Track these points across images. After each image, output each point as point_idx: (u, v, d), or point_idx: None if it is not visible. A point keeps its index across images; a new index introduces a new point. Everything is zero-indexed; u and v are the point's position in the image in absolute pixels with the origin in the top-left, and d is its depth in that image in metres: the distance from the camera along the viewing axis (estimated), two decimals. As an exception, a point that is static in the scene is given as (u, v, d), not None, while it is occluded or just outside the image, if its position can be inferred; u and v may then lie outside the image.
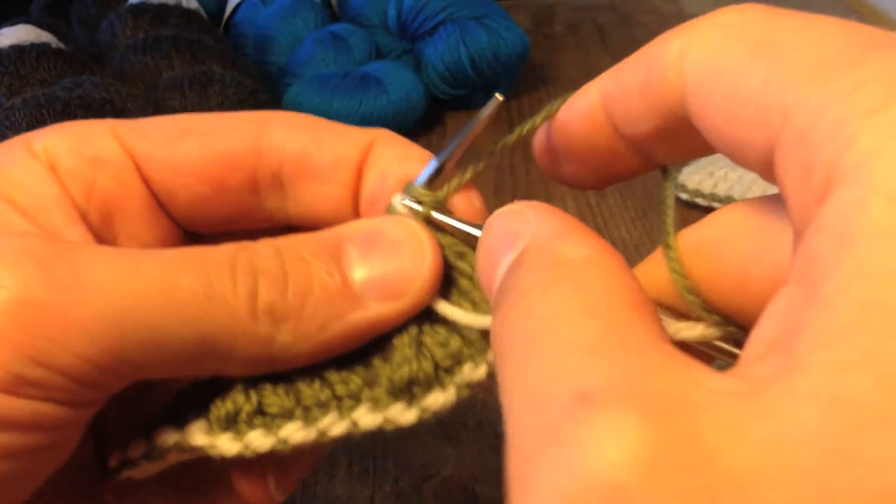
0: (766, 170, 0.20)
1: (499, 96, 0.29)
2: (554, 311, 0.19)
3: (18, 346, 0.21)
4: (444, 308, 0.27)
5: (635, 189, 0.75)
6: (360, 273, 0.26)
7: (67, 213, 0.27)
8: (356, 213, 0.31)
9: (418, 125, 0.86)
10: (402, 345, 0.27)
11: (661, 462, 0.15)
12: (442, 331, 0.27)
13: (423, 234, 0.27)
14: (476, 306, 0.27)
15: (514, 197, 0.80)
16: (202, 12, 0.95)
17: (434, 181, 0.28)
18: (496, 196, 0.75)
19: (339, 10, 1.02)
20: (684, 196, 0.72)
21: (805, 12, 0.20)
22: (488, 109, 0.28)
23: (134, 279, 0.23)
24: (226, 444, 0.26)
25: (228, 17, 1.01)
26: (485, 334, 0.26)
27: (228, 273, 0.24)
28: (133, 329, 0.22)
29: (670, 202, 0.27)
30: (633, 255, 0.65)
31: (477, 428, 0.52)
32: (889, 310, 0.14)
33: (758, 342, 0.17)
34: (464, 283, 0.27)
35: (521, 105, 0.94)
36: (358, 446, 0.51)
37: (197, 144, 0.29)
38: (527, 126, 0.28)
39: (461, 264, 0.27)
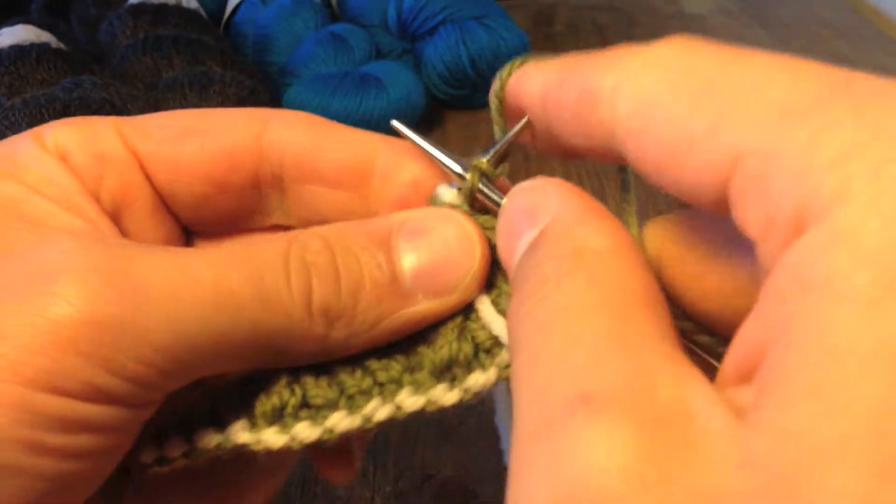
0: (718, 207, 0.19)
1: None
2: (567, 304, 0.19)
3: (93, 358, 0.22)
4: (486, 312, 0.27)
5: (635, 189, 0.75)
6: (410, 268, 0.26)
7: (93, 204, 0.28)
8: (364, 216, 0.30)
9: (418, 125, 0.86)
10: (447, 329, 0.27)
11: (648, 473, 0.15)
12: (482, 312, 0.27)
13: (473, 230, 0.27)
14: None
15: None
16: (202, 12, 0.95)
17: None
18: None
19: (339, 10, 1.02)
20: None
21: (738, 48, 0.20)
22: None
23: (189, 286, 0.23)
24: (272, 438, 0.26)
25: (228, 17, 1.01)
26: None
27: (282, 272, 0.25)
28: (192, 335, 0.23)
29: (631, 198, 0.27)
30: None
31: (477, 428, 0.52)
32: (843, 370, 0.14)
33: (732, 366, 0.18)
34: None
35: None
36: (358, 446, 0.51)
37: (198, 144, 0.30)
38: (499, 82, 0.27)
39: None
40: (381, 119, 0.81)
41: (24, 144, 0.28)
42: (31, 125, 0.66)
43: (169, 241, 0.31)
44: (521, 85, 0.26)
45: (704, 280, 0.24)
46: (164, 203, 0.31)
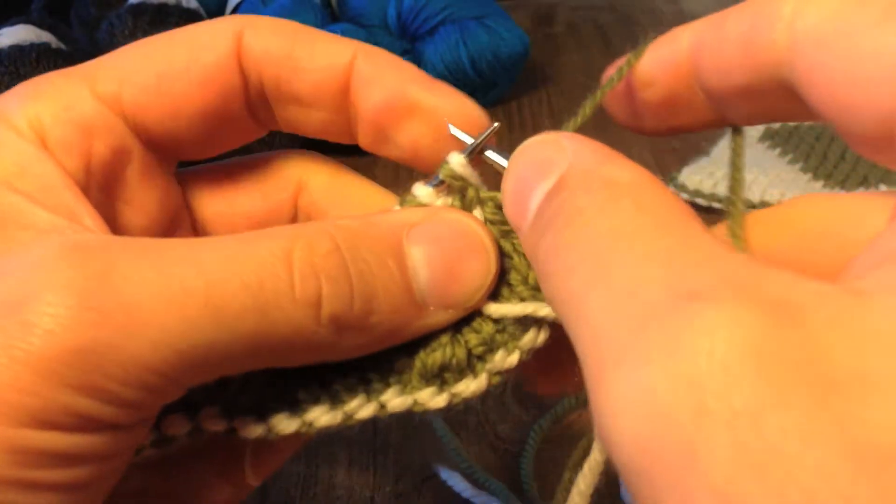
0: (878, 135, 0.19)
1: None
2: (621, 227, 0.19)
3: (79, 388, 0.21)
4: (493, 307, 0.26)
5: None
6: (423, 279, 0.25)
7: (73, 191, 0.26)
8: (348, 130, 0.30)
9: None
10: (438, 331, 0.26)
11: (777, 351, 0.15)
12: (476, 317, 0.26)
13: (488, 241, 0.26)
14: (513, 291, 0.26)
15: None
16: (202, 12, 0.95)
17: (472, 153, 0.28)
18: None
19: (339, 10, 1.02)
20: (684, 196, 0.72)
21: None
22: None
23: (179, 301, 0.22)
24: (249, 427, 0.26)
25: (228, 17, 1.01)
26: (520, 321, 0.26)
27: (284, 276, 0.23)
28: (186, 352, 0.22)
29: (740, 163, 0.26)
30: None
31: (477, 428, 0.52)
32: None
33: (860, 264, 0.17)
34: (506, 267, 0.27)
35: (521, 105, 0.94)
36: (358, 446, 0.51)
37: (183, 80, 0.27)
38: (619, 75, 0.27)
39: (505, 244, 0.27)
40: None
41: None
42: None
43: (168, 206, 0.29)
44: (659, 51, 0.26)
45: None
46: (161, 151, 0.29)
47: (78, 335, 0.21)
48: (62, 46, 0.83)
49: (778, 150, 0.78)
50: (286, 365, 0.25)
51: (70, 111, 0.26)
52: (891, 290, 0.15)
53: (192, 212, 0.31)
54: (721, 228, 0.25)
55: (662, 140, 0.83)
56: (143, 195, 0.28)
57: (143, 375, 0.21)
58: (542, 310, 0.25)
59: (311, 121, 0.29)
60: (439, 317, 0.25)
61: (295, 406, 0.26)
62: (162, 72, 0.27)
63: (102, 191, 0.27)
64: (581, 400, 0.51)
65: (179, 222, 0.30)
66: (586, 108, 0.27)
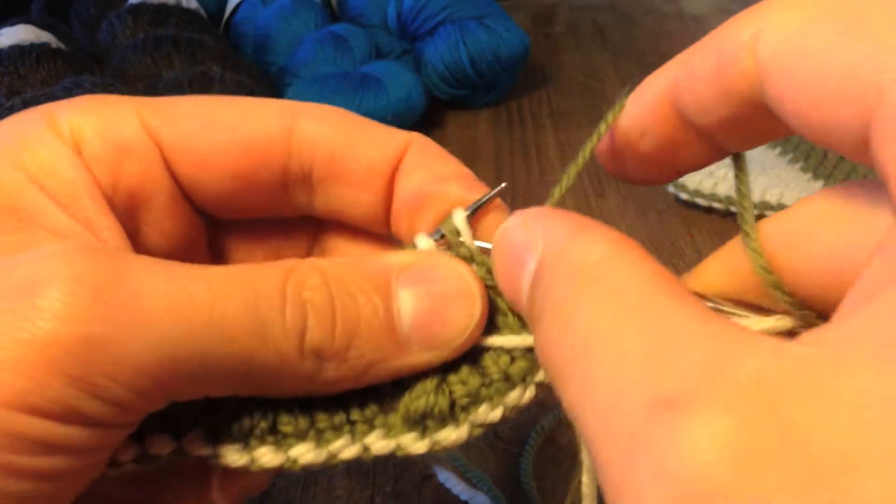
0: (858, 150, 0.19)
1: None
2: (594, 324, 0.19)
3: (75, 380, 0.21)
4: (491, 339, 0.27)
5: (635, 189, 0.75)
6: (407, 318, 0.25)
7: (97, 202, 0.26)
8: (387, 217, 0.30)
9: (418, 125, 0.86)
10: (424, 377, 0.26)
11: (757, 452, 0.14)
12: (464, 368, 0.27)
13: (476, 286, 0.26)
14: (509, 324, 0.27)
15: (514, 198, 0.80)
16: (202, 12, 0.95)
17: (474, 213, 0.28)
18: (496, 196, 0.75)
19: (339, 10, 1.02)
20: (684, 196, 0.72)
21: None
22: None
23: (185, 310, 0.22)
24: (232, 457, 0.26)
25: (228, 17, 1.01)
26: (505, 376, 0.26)
27: (278, 305, 0.24)
28: (181, 359, 0.22)
29: (746, 190, 0.26)
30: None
31: (477, 428, 0.52)
32: None
33: (848, 301, 0.17)
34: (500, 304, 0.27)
35: (521, 105, 0.94)
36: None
37: (227, 137, 0.28)
38: (601, 131, 0.27)
39: (501, 304, 0.27)
40: (381, 119, 0.80)
41: (37, 125, 0.27)
42: (31, 125, 0.66)
43: (189, 234, 0.30)
44: (639, 100, 0.26)
45: (827, 282, 0.23)
46: (188, 196, 0.30)
47: (83, 326, 0.21)
48: (62, 46, 0.83)
49: (778, 150, 0.78)
50: (270, 394, 0.26)
51: (111, 129, 0.27)
52: (866, 340, 0.15)
53: (213, 243, 0.32)
54: (735, 244, 0.25)
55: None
56: (168, 223, 0.29)
57: (136, 376, 0.22)
58: (537, 375, 0.26)
59: (356, 203, 0.30)
60: (423, 357, 0.26)
61: (280, 441, 0.26)
62: (207, 124, 0.28)
63: (125, 211, 0.28)
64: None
65: (197, 253, 0.31)
66: (570, 173, 0.28)
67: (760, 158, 0.76)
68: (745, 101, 0.22)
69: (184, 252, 0.30)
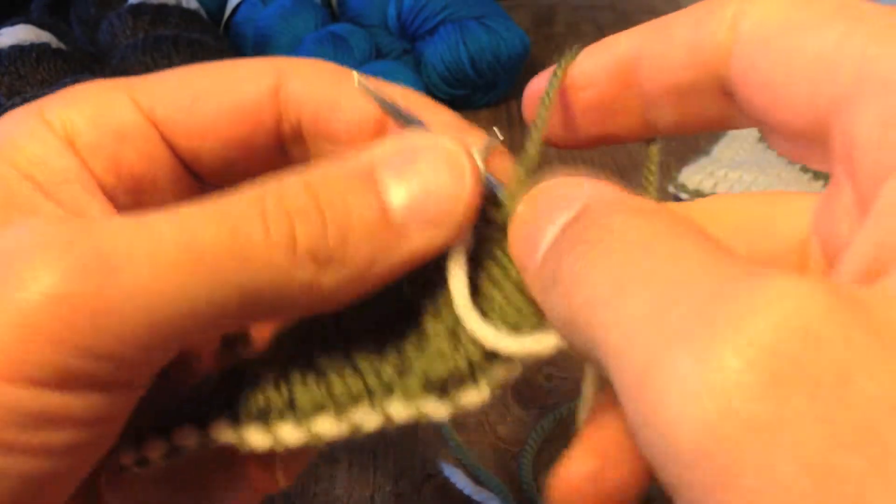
0: (807, 133, 0.20)
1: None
2: (657, 234, 0.19)
3: (61, 340, 0.20)
4: (473, 322, 0.25)
5: (636, 191, 0.75)
6: (398, 200, 0.24)
7: (89, 190, 0.26)
8: None
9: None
10: (437, 334, 0.26)
11: (855, 317, 0.14)
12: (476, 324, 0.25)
13: (462, 154, 0.25)
14: (504, 314, 0.26)
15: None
16: (202, 12, 0.95)
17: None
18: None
19: (339, 10, 1.02)
20: (685, 196, 0.72)
21: None
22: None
23: (156, 252, 0.21)
24: (256, 439, 0.25)
25: (228, 17, 1.01)
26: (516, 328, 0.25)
27: (258, 221, 0.23)
28: (167, 302, 0.21)
29: (652, 172, 0.27)
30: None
31: (477, 428, 0.52)
32: None
33: (851, 271, 0.17)
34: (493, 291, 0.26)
35: (521, 105, 0.94)
36: (358, 446, 0.51)
37: (215, 105, 0.28)
38: (558, 76, 0.27)
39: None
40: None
41: (27, 121, 0.27)
42: (31, 125, 0.66)
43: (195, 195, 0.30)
44: (596, 54, 0.26)
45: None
46: (189, 168, 0.29)
47: (61, 286, 0.20)
48: (62, 46, 0.83)
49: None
50: (274, 318, 0.25)
51: (105, 116, 0.27)
52: None
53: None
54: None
55: (662, 139, 0.83)
56: (172, 201, 0.29)
57: (120, 325, 0.21)
58: (546, 341, 0.25)
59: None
60: (424, 239, 0.24)
61: (300, 417, 0.25)
62: (197, 95, 0.28)
63: (131, 195, 0.28)
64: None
65: None
66: (541, 118, 0.27)
67: (760, 159, 0.76)
68: (708, 74, 0.23)
69: None
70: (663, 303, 0.17)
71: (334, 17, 1.01)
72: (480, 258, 0.26)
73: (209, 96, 0.28)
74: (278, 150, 0.30)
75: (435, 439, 0.51)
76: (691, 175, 0.73)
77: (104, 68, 0.84)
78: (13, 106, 0.68)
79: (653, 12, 1.26)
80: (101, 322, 0.21)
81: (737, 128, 0.25)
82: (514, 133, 0.89)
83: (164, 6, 0.89)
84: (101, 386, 0.22)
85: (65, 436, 0.21)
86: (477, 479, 0.48)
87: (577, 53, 0.27)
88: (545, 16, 1.23)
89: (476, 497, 0.47)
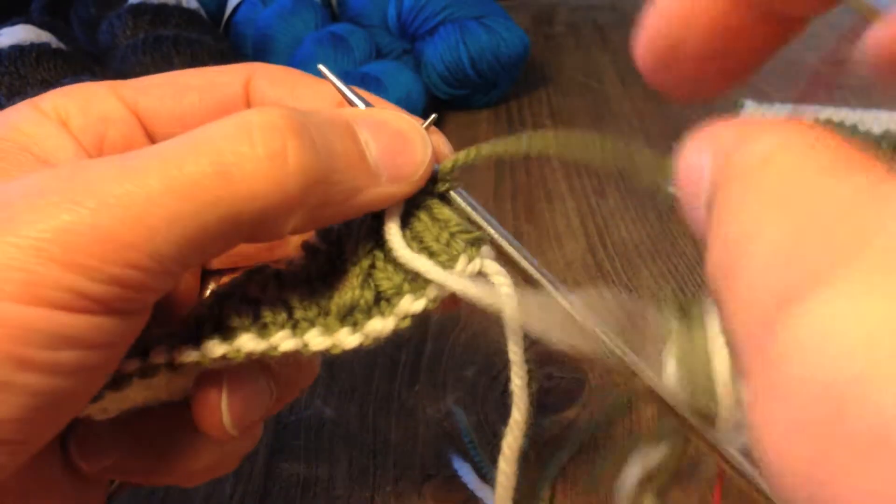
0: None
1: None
2: (747, 224, 0.16)
3: (70, 265, 0.22)
4: (410, 258, 0.29)
5: (636, 191, 0.75)
6: (374, 150, 0.27)
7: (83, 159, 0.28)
8: None
9: (418, 125, 0.86)
10: (353, 275, 0.29)
11: None
12: (389, 266, 0.29)
13: (420, 128, 0.29)
14: (430, 253, 0.29)
15: (514, 198, 0.80)
16: (202, 12, 0.95)
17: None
18: (496, 197, 0.75)
19: (339, 10, 1.02)
20: (684, 196, 0.72)
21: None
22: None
23: (140, 179, 0.23)
24: (186, 353, 0.28)
25: (228, 17, 1.01)
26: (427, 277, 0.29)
27: (244, 139, 0.24)
28: (155, 225, 0.23)
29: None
30: (632, 254, 0.65)
31: (477, 428, 0.52)
32: None
33: None
34: (421, 229, 0.30)
35: (521, 105, 0.94)
36: (358, 446, 0.51)
37: (196, 98, 0.31)
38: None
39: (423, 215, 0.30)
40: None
41: (22, 110, 0.29)
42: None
43: None
44: None
45: None
46: None
47: (60, 218, 0.22)
48: (62, 46, 0.83)
49: (778, 150, 0.78)
50: (263, 238, 0.26)
51: (92, 104, 0.30)
52: None
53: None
54: None
55: (662, 140, 0.83)
56: None
57: (125, 254, 0.23)
58: (451, 281, 0.28)
59: None
60: (390, 189, 0.28)
61: (227, 335, 0.28)
62: (179, 89, 0.32)
63: None
64: (585, 400, 0.51)
65: None
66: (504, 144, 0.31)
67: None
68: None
69: None
70: (814, 230, 0.14)
71: (334, 17, 1.01)
72: (409, 213, 0.30)
73: (188, 92, 0.32)
74: None
75: (436, 439, 0.51)
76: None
77: (104, 68, 0.84)
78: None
79: (653, 12, 1.26)
80: (102, 248, 0.22)
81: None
82: (514, 133, 0.89)
83: (164, 6, 0.89)
84: (107, 308, 0.23)
85: (75, 356, 0.23)
86: (484, 478, 0.48)
87: None
88: (545, 16, 1.23)
89: (478, 493, 0.47)
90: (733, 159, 0.18)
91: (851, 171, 0.15)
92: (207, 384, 0.30)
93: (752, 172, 0.17)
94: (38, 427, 0.24)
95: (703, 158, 0.20)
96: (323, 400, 0.55)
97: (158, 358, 0.28)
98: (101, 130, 0.30)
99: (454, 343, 0.58)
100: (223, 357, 0.28)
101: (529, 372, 0.29)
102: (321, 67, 0.33)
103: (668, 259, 0.65)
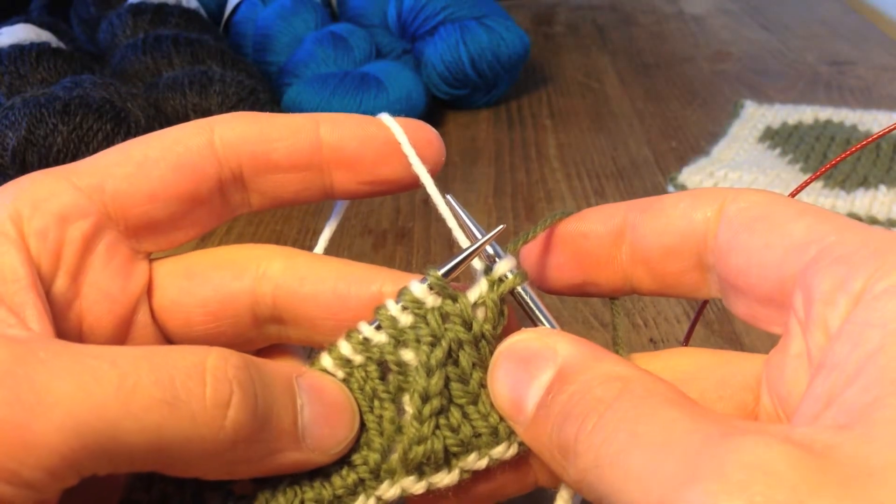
0: (771, 295, 0.26)
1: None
2: (643, 404, 0.23)
3: None
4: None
5: (636, 191, 0.75)
6: (304, 418, 0.27)
7: (27, 286, 0.27)
8: (323, 186, 0.33)
9: (418, 125, 0.86)
10: (417, 417, 0.28)
11: (811, 463, 0.19)
12: (457, 415, 0.29)
13: (355, 406, 0.29)
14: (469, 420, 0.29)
15: (514, 198, 0.80)
16: (202, 12, 0.95)
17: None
18: (496, 196, 0.75)
19: (339, 9, 1.02)
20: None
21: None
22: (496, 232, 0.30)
23: (92, 390, 0.23)
24: None
25: (228, 17, 1.01)
26: (493, 431, 0.29)
27: (197, 379, 0.24)
28: (92, 439, 0.22)
29: (620, 328, 0.32)
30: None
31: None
32: None
33: (806, 414, 0.22)
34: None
35: (521, 105, 0.94)
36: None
37: (163, 169, 0.30)
38: (530, 234, 0.31)
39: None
40: (381, 119, 0.80)
41: None
42: (30, 124, 0.66)
43: (131, 285, 0.31)
44: (601, 213, 0.32)
45: None
46: (140, 237, 0.31)
47: None
48: (62, 46, 0.83)
49: (778, 151, 0.78)
50: (178, 473, 0.26)
51: (47, 202, 0.28)
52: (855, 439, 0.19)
53: (151, 300, 0.32)
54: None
55: (662, 139, 0.83)
56: (109, 280, 0.30)
57: (46, 457, 0.22)
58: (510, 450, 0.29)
59: (290, 182, 0.32)
60: (308, 456, 0.28)
61: None
62: (140, 161, 0.30)
63: (70, 275, 0.29)
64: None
65: (140, 308, 0.32)
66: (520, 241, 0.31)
67: (760, 159, 0.76)
68: (691, 246, 0.29)
69: (128, 312, 0.31)
70: (661, 458, 0.21)
71: (334, 17, 1.01)
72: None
73: (153, 160, 0.30)
74: (220, 199, 0.32)
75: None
76: (691, 175, 0.73)
77: (104, 68, 0.84)
78: (13, 105, 0.68)
79: (653, 12, 1.27)
80: (26, 453, 0.22)
81: (702, 297, 0.31)
82: (514, 133, 0.89)
83: (164, 6, 0.89)
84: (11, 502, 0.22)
85: None
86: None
87: (559, 217, 0.32)
88: (545, 16, 1.23)
89: None
90: (598, 367, 0.25)
91: (698, 408, 0.23)
92: None
93: (625, 382, 0.24)
94: None
95: (546, 352, 0.27)
96: None
97: None
98: (61, 233, 0.28)
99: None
100: None
101: None
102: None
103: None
